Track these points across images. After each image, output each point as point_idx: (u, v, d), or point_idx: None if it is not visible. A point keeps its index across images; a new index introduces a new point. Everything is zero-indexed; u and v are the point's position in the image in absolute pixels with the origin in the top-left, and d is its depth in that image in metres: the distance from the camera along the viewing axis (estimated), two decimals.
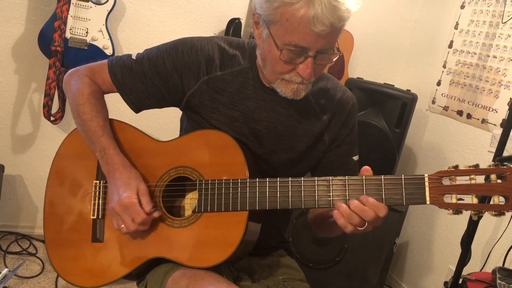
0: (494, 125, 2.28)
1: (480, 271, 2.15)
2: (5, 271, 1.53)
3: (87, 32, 2.28)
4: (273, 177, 1.14)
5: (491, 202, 0.99)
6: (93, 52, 2.29)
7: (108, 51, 2.33)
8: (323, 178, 1.10)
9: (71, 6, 2.22)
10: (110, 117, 1.33)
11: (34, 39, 2.26)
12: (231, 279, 1.25)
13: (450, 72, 2.61)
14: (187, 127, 1.35)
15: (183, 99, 1.29)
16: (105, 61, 1.33)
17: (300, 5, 1.03)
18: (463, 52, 2.54)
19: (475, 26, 2.48)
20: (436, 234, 2.58)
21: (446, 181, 1.01)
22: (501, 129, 1.96)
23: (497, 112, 2.27)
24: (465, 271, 1.91)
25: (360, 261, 2.38)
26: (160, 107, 1.35)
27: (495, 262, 2.12)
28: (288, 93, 1.18)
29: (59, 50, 2.21)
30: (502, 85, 2.26)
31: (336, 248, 2.38)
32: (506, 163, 1.66)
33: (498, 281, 1.75)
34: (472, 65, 2.47)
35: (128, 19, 2.51)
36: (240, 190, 1.15)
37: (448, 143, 2.57)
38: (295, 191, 1.11)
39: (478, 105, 2.39)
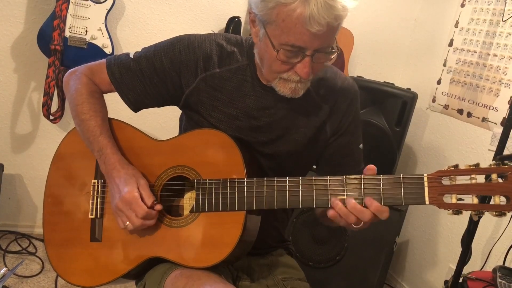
0: (495, 123, 2.27)
1: (481, 270, 2.15)
2: (4, 270, 1.54)
3: (86, 31, 2.27)
4: (278, 173, 1.13)
5: (492, 202, 0.97)
6: (93, 51, 2.28)
7: (108, 50, 2.32)
8: (321, 177, 1.09)
9: (71, 4, 2.22)
10: (108, 116, 1.33)
11: (34, 38, 2.26)
12: (230, 279, 1.25)
13: (451, 71, 2.60)
14: (186, 126, 1.35)
15: (182, 98, 1.28)
16: (104, 60, 1.32)
17: (296, 5, 1.01)
18: (464, 50, 2.53)
19: (475, 25, 2.48)
20: (436, 233, 2.57)
21: (446, 181, 1.00)
22: (502, 127, 1.95)
23: (497, 110, 2.27)
24: (466, 270, 1.91)
25: (360, 260, 2.37)
26: (159, 106, 1.34)
27: (495, 260, 2.12)
28: (287, 92, 1.17)
29: (58, 49, 2.21)
30: (503, 83, 2.26)
31: (336, 247, 2.37)
32: (506, 161, 1.66)
33: (499, 280, 1.75)
34: (472, 64, 2.46)
35: (128, 17, 2.50)
36: (237, 190, 1.14)
37: (448, 141, 2.57)
38: (293, 190, 1.10)
39: (478, 104, 2.38)
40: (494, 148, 1.83)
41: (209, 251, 1.14)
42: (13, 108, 2.47)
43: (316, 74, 1.18)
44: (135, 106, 1.32)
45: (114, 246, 1.25)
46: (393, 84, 2.55)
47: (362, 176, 1.06)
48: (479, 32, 2.44)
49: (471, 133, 2.41)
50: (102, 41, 2.31)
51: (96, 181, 1.30)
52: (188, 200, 1.25)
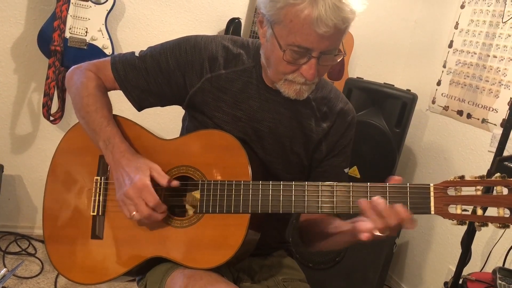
0: (494, 125, 2.27)
1: (480, 271, 2.15)
2: (3, 271, 1.53)
3: (86, 32, 2.27)
4: (273, 179, 1.13)
5: (496, 214, 0.98)
6: (93, 52, 2.28)
7: (108, 51, 2.32)
8: (327, 183, 1.09)
9: (71, 5, 2.22)
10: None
11: (34, 39, 2.26)
12: (231, 280, 1.25)
13: (450, 72, 2.60)
14: (189, 126, 1.35)
15: (186, 97, 1.28)
16: (108, 58, 1.32)
17: (304, 5, 1.02)
18: (463, 52, 2.53)
19: (475, 26, 2.48)
20: (436, 234, 2.57)
21: (451, 191, 1.01)
22: (501, 129, 1.95)
23: (497, 112, 2.27)
24: (465, 271, 1.90)
25: (360, 261, 2.37)
26: (163, 105, 1.34)
27: (495, 262, 2.12)
28: (291, 93, 1.17)
29: (58, 49, 2.21)
30: (502, 84, 2.26)
31: None
32: (506, 162, 1.66)
33: (499, 281, 1.75)
34: (472, 65, 2.46)
35: (128, 18, 2.50)
36: (242, 193, 1.13)
37: (448, 143, 2.57)
38: (299, 195, 1.10)
39: (478, 105, 2.39)
40: (494, 150, 1.83)
41: (212, 253, 1.14)
42: (13, 109, 2.47)
43: (321, 76, 1.18)
44: (139, 105, 1.32)
45: (116, 244, 1.25)
46: (393, 85, 2.55)
47: (368, 184, 1.06)
48: (479, 34, 2.45)
49: (470, 134, 2.42)
50: (102, 42, 2.31)
51: (98, 178, 1.29)
52: (192, 200, 1.25)
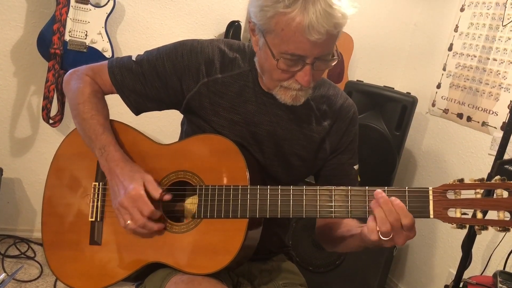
0: (495, 128, 2.27)
1: (481, 274, 2.14)
2: (3, 275, 1.53)
3: (86, 35, 2.27)
4: (272, 182, 1.13)
5: (496, 217, 0.97)
6: (92, 55, 2.28)
7: (107, 54, 2.32)
8: (325, 187, 1.09)
9: (71, 8, 2.22)
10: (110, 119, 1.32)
11: (33, 42, 2.26)
12: (231, 285, 1.24)
13: (450, 75, 2.60)
14: (187, 130, 1.34)
15: (183, 102, 1.27)
16: (106, 62, 1.32)
17: (295, 14, 1.00)
18: (463, 55, 2.53)
19: (475, 29, 2.48)
20: (436, 237, 2.57)
21: (450, 195, 1.00)
22: (502, 132, 1.95)
23: (497, 114, 2.27)
24: (466, 274, 1.90)
25: (360, 264, 2.37)
26: (160, 109, 1.33)
27: (495, 265, 2.12)
28: (288, 99, 1.17)
29: (58, 52, 2.21)
30: (502, 87, 2.26)
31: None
32: (507, 166, 1.66)
33: (499, 284, 1.74)
34: (472, 68, 2.46)
35: (128, 21, 2.50)
36: (240, 197, 1.13)
37: (448, 146, 2.57)
38: (297, 199, 1.10)
39: (478, 108, 2.39)
40: (494, 153, 1.82)
41: (211, 258, 1.14)
42: (13, 112, 2.47)
43: (317, 81, 1.18)
44: (137, 109, 1.32)
45: (114, 250, 1.24)
46: (393, 88, 2.55)
47: (366, 187, 1.05)
48: (479, 37, 2.45)
49: (471, 137, 2.41)
50: (102, 45, 2.31)
51: (96, 183, 1.28)
52: (190, 206, 1.24)
